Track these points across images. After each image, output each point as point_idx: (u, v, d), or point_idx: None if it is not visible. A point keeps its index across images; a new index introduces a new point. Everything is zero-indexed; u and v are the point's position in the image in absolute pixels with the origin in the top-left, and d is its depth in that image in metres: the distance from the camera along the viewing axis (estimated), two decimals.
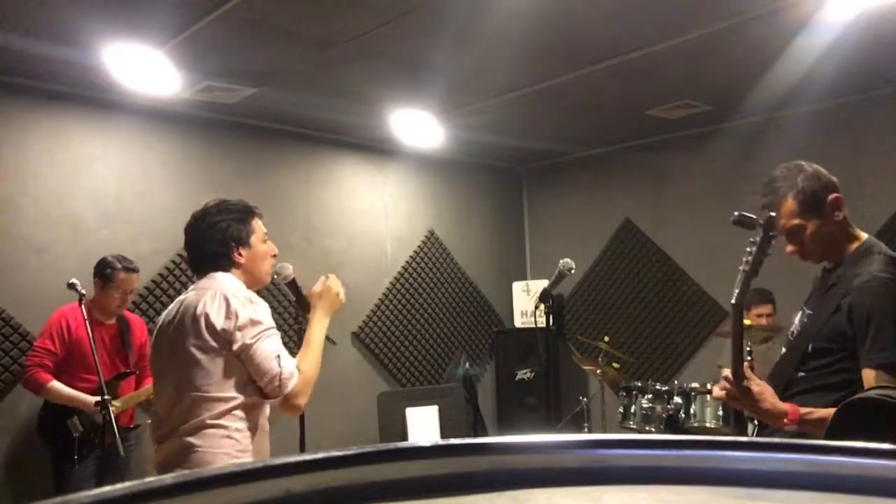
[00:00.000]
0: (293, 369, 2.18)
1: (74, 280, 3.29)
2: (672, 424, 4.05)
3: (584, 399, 5.25)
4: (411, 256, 5.98)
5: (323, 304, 2.39)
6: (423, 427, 4.85)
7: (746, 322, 4.37)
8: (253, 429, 2.18)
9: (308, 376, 2.23)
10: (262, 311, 2.19)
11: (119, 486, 0.57)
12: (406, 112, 4.90)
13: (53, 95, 4.27)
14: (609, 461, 0.76)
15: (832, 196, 1.98)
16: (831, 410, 1.81)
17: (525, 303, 6.32)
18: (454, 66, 4.14)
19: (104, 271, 3.68)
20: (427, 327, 6.01)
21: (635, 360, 5.74)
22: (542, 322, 3.37)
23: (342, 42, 3.74)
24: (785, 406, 1.87)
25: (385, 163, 5.88)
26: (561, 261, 3.36)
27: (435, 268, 6.12)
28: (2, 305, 4.02)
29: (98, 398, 3.30)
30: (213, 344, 2.11)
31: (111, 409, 3.17)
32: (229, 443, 2.12)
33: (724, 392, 1.94)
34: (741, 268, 1.91)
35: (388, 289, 5.77)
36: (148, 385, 3.76)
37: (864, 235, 2.05)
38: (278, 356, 2.15)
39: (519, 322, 6.40)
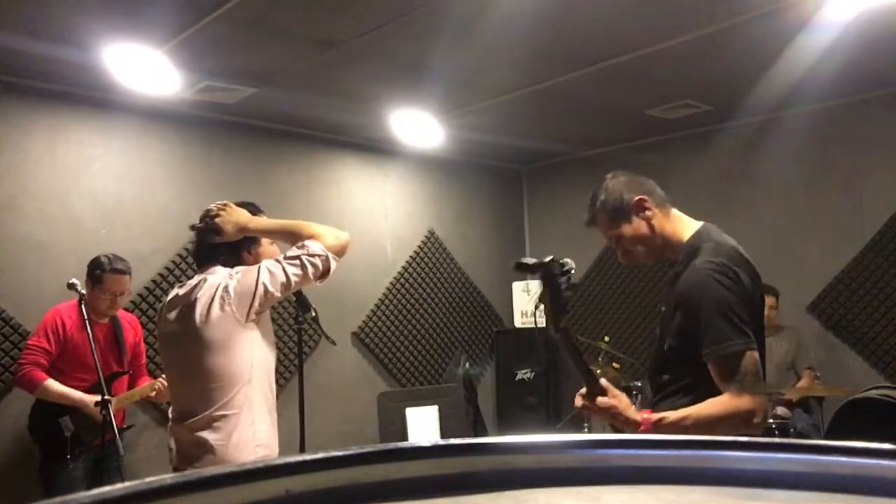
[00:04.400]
0: (310, 247, 2.23)
1: (74, 280, 3.28)
2: None
3: None
4: (411, 256, 5.98)
5: (239, 215, 2.35)
6: (423, 427, 4.85)
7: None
8: (261, 419, 2.20)
9: (317, 231, 2.29)
10: (248, 273, 2.21)
11: (119, 486, 0.57)
12: (406, 112, 4.90)
13: (53, 95, 4.27)
14: (609, 461, 0.76)
15: (635, 199, 2.07)
16: (684, 413, 1.84)
17: (525, 303, 6.32)
18: (454, 66, 4.14)
19: (93, 272, 3.62)
20: (427, 327, 6.01)
21: (635, 360, 5.74)
22: (542, 322, 3.37)
23: (342, 42, 3.74)
24: (637, 416, 1.87)
25: (385, 163, 5.88)
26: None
27: (435, 268, 6.12)
28: (2, 305, 4.02)
29: (95, 396, 3.32)
30: (215, 336, 2.14)
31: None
32: (239, 433, 2.14)
33: (581, 404, 1.96)
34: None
35: (388, 289, 5.77)
36: (141, 385, 3.76)
37: (696, 226, 2.09)
38: (287, 261, 2.20)
39: (519, 322, 6.39)
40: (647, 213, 2.07)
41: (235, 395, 2.14)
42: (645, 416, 1.86)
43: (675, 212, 2.13)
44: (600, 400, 1.89)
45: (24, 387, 3.58)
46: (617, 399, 1.90)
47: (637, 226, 2.07)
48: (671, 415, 1.85)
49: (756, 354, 1.84)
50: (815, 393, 4.33)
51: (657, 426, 1.84)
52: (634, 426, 1.86)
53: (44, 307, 3.75)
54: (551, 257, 1.87)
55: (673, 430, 1.82)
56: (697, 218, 2.17)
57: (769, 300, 4.40)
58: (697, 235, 2.04)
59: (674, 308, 1.97)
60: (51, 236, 4.21)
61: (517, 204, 6.91)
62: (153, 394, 3.69)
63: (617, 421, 1.90)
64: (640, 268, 6.01)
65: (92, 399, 3.46)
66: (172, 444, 2.23)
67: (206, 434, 2.13)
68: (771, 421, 4.11)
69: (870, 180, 4.84)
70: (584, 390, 1.94)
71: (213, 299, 2.14)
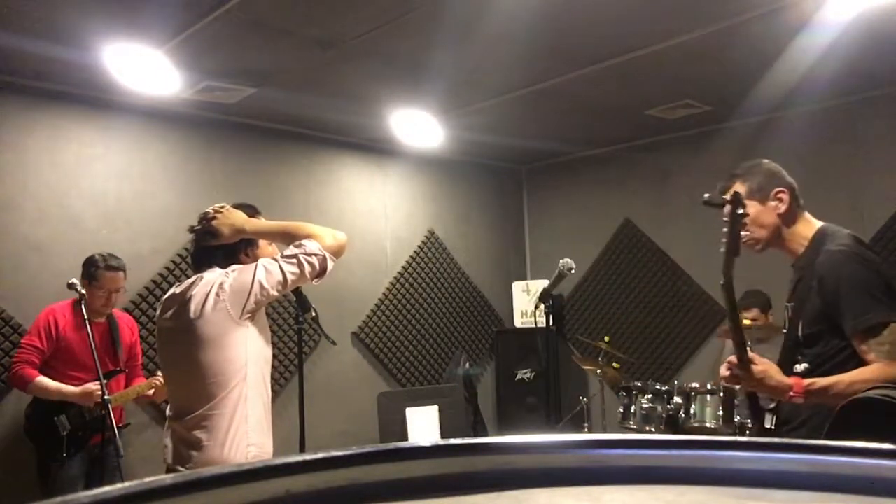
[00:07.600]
0: (307, 246, 2.23)
1: (74, 280, 3.29)
2: (672, 424, 4.05)
3: (584, 399, 5.24)
4: (411, 256, 5.98)
5: (236, 217, 2.36)
6: (423, 427, 4.85)
7: (746, 322, 4.40)
8: (255, 418, 2.20)
9: (314, 232, 2.29)
10: (244, 271, 2.22)
11: (119, 485, 0.57)
12: (406, 112, 4.90)
13: (53, 95, 4.27)
14: (609, 461, 0.76)
15: (776, 189, 2.21)
16: (835, 378, 1.91)
17: (525, 303, 6.32)
18: (454, 66, 4.14)
19: (89, 270, 3.64)
20: (427, 327, 6.01)
21: (635, 360, 5.74)
22: (542, 322, 3.38)
23: (342, 42, 3.74)
24: (790, 380, 1.94)
25: (385, 163, 5.88)
26: (561, 261, 3.36)
27: (435, 268, 6.12)
28: (1, 305, 4.02)
29: (93, 385, 3.36)
30: (209, 332, 2.14)
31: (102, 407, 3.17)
32: (232, 431, 2.14)
33: (728, 373, 2.01)
34: (721, 249, 1.93)
35: (388, 289, 5.77)
36: (137, 384, 3.77)
37: (818, 224, 2.21)
38: (284, 260, 2.20)
39: (519, 322, 6.40)
40: (780, 206, 2.21)
41: (230, 393, 2.15)
42: (795, 381, 1.92)
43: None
44: (755, 367, 1.95)
45: (16, 384, 3.59)
46: (767, 365, 1.97)
47: (764, 211, 2.23)
48: (821, 380, 1.93)
49: None
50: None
51: (808, 391, 1.90)
52: (783, 392, 1.92)
53: (43, 307, 3.75)
54: (736, 192, 1.93)
55: (823, 396, 1.90)
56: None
57: (749, 313, 4.20)
58: (822, 231, 2.17)
59: (807, 295, 2.06)
60: (51, 236, 4.21)
61: (517, 204, 6.91)
62: (151, 392, 3.70)
63: (765, 387, 1.95)
64: (640, 268, 6.01)
65: (88, 389, 3.47)
66: (168, 442, 2.24)
67: (199, 433, 2.13)
68: None
69: (870, 180, 4.84)
70: (733, 359, 1.98)
71: (207, 295, 2.16)
